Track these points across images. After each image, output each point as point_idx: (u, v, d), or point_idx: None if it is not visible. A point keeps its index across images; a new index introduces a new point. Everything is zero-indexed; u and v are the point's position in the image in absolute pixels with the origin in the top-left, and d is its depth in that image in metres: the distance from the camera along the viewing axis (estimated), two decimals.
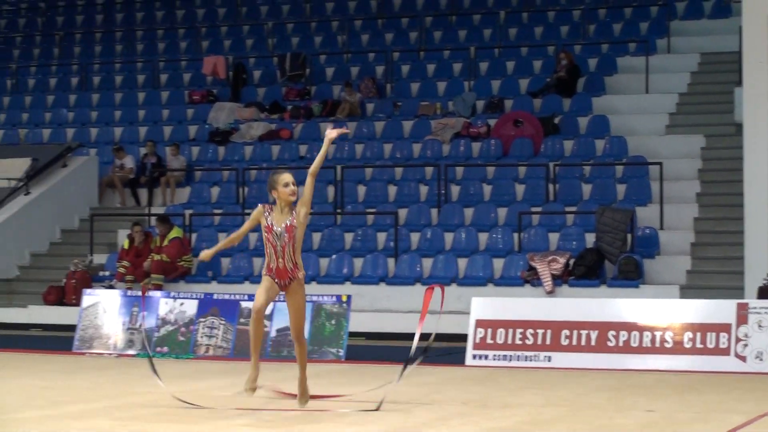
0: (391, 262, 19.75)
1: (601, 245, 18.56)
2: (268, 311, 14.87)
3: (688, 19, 25.30)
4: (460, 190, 21.46)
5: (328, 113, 24.54)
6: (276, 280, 9.86)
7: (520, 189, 21.19)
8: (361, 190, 22.14)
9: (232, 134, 24.85)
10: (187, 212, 21.84)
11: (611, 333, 14.30)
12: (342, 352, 15.00)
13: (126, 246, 20.47)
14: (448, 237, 20.12)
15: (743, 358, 13.78)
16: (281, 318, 15.00)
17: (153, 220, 21.50)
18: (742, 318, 13.93)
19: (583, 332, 14.38)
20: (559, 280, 18.26)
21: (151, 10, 31.27)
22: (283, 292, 9.93)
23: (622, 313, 14.49)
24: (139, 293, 16.24)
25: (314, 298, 15.26)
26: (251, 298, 14.47)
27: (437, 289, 10.69)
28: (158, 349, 15.61)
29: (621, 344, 14.22)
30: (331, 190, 22.12)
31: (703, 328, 14.03)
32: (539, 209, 20.38)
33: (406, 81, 25.73)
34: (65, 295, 20.44)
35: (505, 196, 21.02)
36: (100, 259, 21.45)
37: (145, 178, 23.69)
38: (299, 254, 9.84)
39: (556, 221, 20.08)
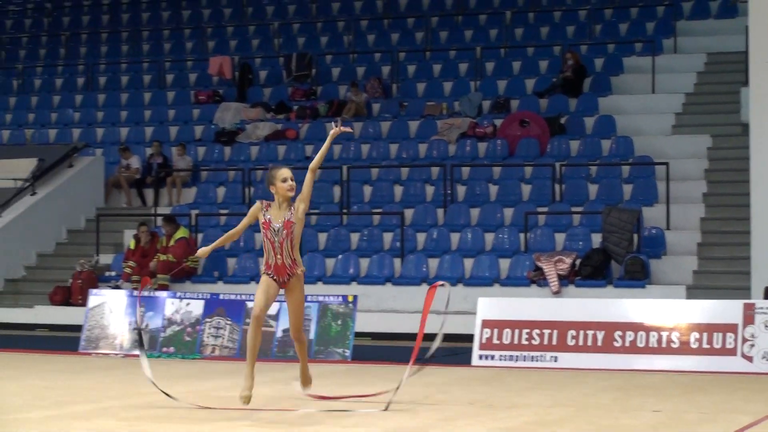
0: (397, 262, 19.74)
1: (608, 245, 18.54)
2: (273, 311, 14.88)
3: (695, 19, 25.27)
4: (466, 190, 21.46)
5: (334, 113, 24.54)
6: (274, 277, 9.84)
7: (526, 189, 21.18)
8: (367, 190, 22.14)
9: (238, 134, 24.86)
10: (193, 212, 21.85)
11: (618, 333, 14.27)
12: (348, 353, 14.99)
13: (132, 246, 20.48)
14: (455, 237, 20.12)
15: (750, 359, 13.76)
16: (287, 318, 14.94)
17: (159, 221, 21.51)
18: (748, 318, 13.91)
19: (590, 332, 14.36)
20: (565, 280, 18.24)
21: (157, 11, 31.30)
22: (283, 290, 9.90)
23: (629, 313, 14.46)
24: (145, 294, 16.21)
25: (320, 299, 15.27)
26: None
27: (440, 288, 10.59)
28: (164, 349, 15.61)
29: (627, 344, 14.19)
30: (337, 191, 22.13)
31: (709, 329, 14.01)
32: (545, 209, 20.37)
33: (412, 81, 25.72)
34: (71, 296, 20.45)
35: (511, 196, 21.01)
36: (106, 259, 21.46)
37: (152, 179, 23.71)
38: (298, 250, 9.79)
39: (562, 221, 20.06)
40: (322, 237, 20.78)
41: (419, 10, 28.29)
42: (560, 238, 19.56)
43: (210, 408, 10.06)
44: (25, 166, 23.20)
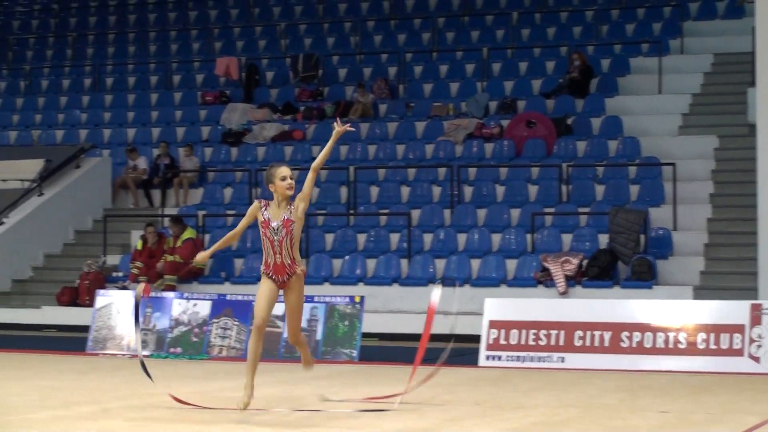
0: (404, 262, 19.75)
1: (615, 246, 18.54)
2: (280, 311, 14.85)
3: (701, 19, 25.26)
4: (473, 190, 21.46)
5: (341, 114, 24.55)
6: (274, 277, 9.76)
7: (533, 190, 21.18)
8: (374, 190, 22.14)
9: (245, 135, 24.87)
10: (200, 213, 21.87)
11: (624, 334, 14.27)
12: (355, 353, 14.99)
13: (139, 247, 20.51)
14: (461, 238, 20.12)
15: (757, 359, 13.74)
16: None
17: (166, 221, 21.51)
18: (755, 319, 13.90)
19: (597, 333, 14.35)
20: (572, 280, 18.24)
21: (163, 12, 31.33)
22: (282, 290, 9.81)
23: (636, 314, 14.46)
24: (153, 295, 16.21)
25: (327, 299, 15.27)
26: None
27: (442, 288, 10.55)
28: (171, 350, 15.63)
29: (634, 345, 14.19)
30: (344, 191, 22.14)
31: (716, 329, 14.00)
32: (552, 210, 20.36)
33: (418, 82, 25.72)
34: (79, 296, 20.47)
35: (518, 197, 21.01)
36: (113, 260, 21.49)
37: (158, 179, 23.74)
38: (297, 249, 9.68)
39: (569, 222, 20.05)
40: (329, 238, 20.79)
41: (426, 10, 28.30)
42: (567, 238, 19.55)
43: (210, 408, 10.05)
44: (32, 166, 23.22)
